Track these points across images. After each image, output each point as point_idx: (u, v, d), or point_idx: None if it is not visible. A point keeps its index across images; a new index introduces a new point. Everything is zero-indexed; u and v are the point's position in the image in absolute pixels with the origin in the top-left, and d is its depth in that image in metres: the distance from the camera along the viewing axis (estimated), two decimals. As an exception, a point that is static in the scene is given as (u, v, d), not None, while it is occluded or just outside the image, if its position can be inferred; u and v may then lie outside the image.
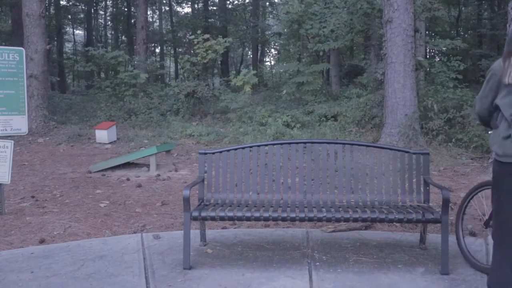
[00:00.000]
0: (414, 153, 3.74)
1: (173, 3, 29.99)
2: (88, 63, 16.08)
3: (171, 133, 11.00)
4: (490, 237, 3.40)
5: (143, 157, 7.22)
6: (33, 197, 5.60)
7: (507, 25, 6.24)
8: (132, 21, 25.61)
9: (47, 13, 17.19)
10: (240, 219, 3.36)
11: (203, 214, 3.37)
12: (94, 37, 28.69)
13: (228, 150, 3.87)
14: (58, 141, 10.31)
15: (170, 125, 11.89)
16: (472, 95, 10.04)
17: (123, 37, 30.52)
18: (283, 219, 3.32)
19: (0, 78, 4.91)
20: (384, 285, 3.10)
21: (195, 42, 13.66)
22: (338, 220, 3.30)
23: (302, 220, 3.31)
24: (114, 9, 30.09)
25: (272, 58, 33.85)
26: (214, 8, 28.32)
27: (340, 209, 3.42)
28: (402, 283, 3.11)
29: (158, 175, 6.85)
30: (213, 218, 3.37)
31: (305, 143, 3.91)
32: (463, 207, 3.58)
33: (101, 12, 31.55)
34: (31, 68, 11.36)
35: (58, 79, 22.85)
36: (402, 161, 3.73)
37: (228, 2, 28.22)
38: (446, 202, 3.22)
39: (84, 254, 3.67)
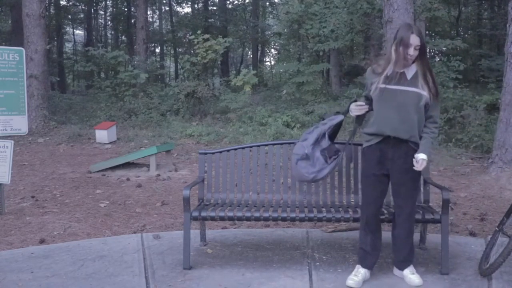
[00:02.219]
0: (414, 153, 3.72)
1: (173, 3, 29.94)
2: (88, 63, 16.07)
3: (171, 133, 10.99)
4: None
5: (143, 157, 7.23)
6: (33, 197, 5.61)
7: (507, 25, 6.23)
8: (132, 21, 25.59)
9: (47, 13, 17.15)
10: (240, 219, 3.36)
11: (203, 214, 3.37)
12: (94, 37, 28.67)
13: (228, 150, 3.86)
14: (58, 141, 10.31)
15: (170, 125, 11.88)
16: (472, 95, 10.02)
17: (123, 37, 30.49)
18: (283, 219, 3.32)
19: (0, 78, 4.91)
20: (384, 285, 3.10)
21: (195, 42, 13.65)
22: (338, 220, 3.30)
23: (302, 220, 3.31)
24: (114, 9, 30.05)
25: (272, 58, 33.83)
26: (214, 8, 28.30)
27: (340, 209, 3.42)
28: (402, 283, 3.12)
29: (158, 175, 6.85)
30: (213, 218, 3.37)
31: (305, 143, 3.90)
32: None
33: (101, 12, 31.52)
34: (31, 68, 11.35)
35: (58, 79, 22.84)
36: (402, 161, 3.71)
37: (228, 2, 28.21)
38: (446, 202, 3.22)
39: (84, 254, 3.67)
